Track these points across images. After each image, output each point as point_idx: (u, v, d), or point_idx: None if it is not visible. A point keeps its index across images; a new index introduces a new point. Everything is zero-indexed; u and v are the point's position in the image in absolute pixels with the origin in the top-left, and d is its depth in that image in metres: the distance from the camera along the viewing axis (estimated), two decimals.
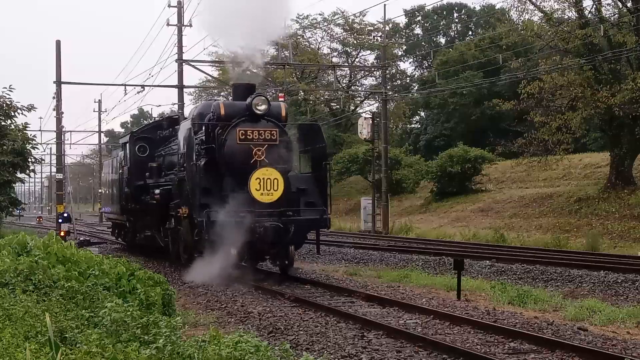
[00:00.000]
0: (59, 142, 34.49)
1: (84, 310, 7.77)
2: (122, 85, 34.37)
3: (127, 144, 22.19)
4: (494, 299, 13.12)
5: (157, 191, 18.84)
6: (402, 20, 67.45)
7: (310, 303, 12.60)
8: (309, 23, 53.93)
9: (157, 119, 29.55)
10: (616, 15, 31.19)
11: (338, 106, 52.40)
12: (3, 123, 26.13)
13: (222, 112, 16.15)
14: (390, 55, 52.45)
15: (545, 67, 30.41)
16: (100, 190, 31.71)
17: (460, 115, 53.87)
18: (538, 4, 31.80)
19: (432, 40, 66.80)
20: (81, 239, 29.39)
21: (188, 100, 55.62)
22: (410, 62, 68.20)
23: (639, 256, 19.91)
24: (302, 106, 51.97)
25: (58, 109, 33.06)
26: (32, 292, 8.79)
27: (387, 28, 48.05)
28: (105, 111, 71.27)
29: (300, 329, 10.41)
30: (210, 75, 41.28)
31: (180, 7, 34.11)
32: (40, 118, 73.98)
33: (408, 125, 65.06)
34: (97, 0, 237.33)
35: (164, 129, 21.76)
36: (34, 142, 27.98)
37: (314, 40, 55.50)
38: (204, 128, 16.51)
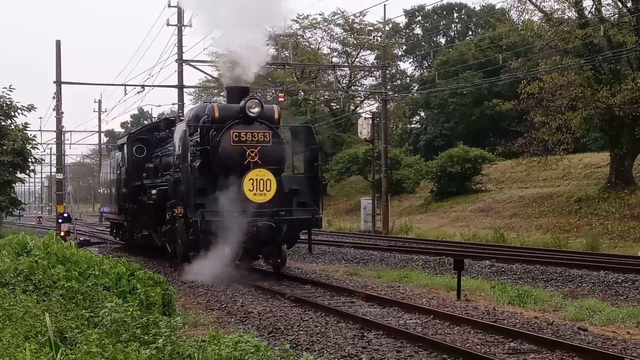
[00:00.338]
0: (59, 142, 34.48)
1: (84, 310, 7.77)
2: (122, 85, 34.35)
3: (125, 145, 22.63)
4: (494, 299, 13.12)
5: (153, 191, 19.22)
6: (402, 20, 67.55)
7: (310, 303, 12.60)
8: (309, 23, 53.92)
9: (156, 119, 29.70)
10: (616, 15, 31.19)
11: (338, 106, 52.39)
12: (3, 123, 26.13)
13: (217, 114, 16.56)
14: (390, 55, 52.45)
15: (545, 67, 30.40)
16: (100, 190, 31.80)
17: (460, 115, 53.86)
18: (538, 4, 31.82)
19: (432, 40, 66.81)
20: (81, 239, 29.40)
21: (188, 100, 55.62)
22: (410, 62, 68.28)
23: (639, 256, 19.91)
24: (302, 106, 51.96)
25: (58, 109, 33.05)
26: (32, 292, 8.80)
27: (387, 28, 48.10)
28: (105, 111, 71.33)
29: (300, 329, 10.41)
30: (210, 75, 41.25)
31: (180, 7, 34.11)
32: (40, 118, 74.16)
33: (408, 125, 65.05)
34: (97, 0, 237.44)
35: (161, 130, 22.15)
36: (34, 142, 27.99)
37: (314, 40, 55.53)
38: (199, 130, 16.89)
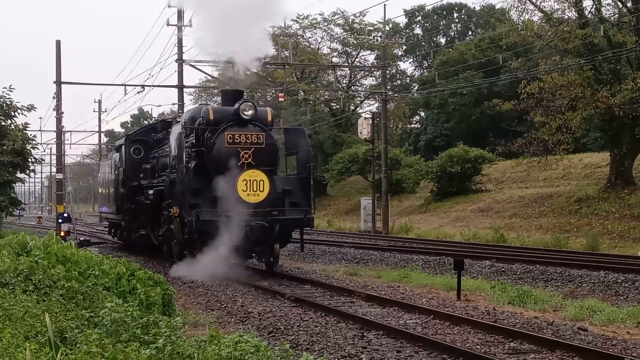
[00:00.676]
0: (59, 142, 34.48)
1: (84, 310, 7.76)
2: (122, 85, 34.33)
3: (123, 146, 23.05)
4: (494, 299, 13.12)
5: (150, 192, 19.65)
6: (402, 20, 67.56)
7: (310, 303, 12.60)
8: (309, 23, 53.89)
9: (156, 119, 29.92)
10: (616, 15, 31.19)
11: (338, 106, 52.39)
12: (3, 123, 26.13)
13: (211, 117, 16.96)
14: (390, 55, 52.44)
15: (545, 67, 30.39)
16: (98, 191, 31.97)
17: (460, 115, 53.86)
18: (538, 4, 31.82)
19: (432, 40, 66.80)
20: (81, 239, 29.43)
21: (188, 100, 55.55)
22: (410, 62, 68.28)
23: (639, 256, 19.91)
24: (302, 106, 51.96)
25: (58, 109, 33.04)
26: (32, 292, 8.79)
27: (387, 28, 48.10)
28: (105, 111, 71.29)
29: (300, 329, 10.41)
30: (210, 75, 41.26)
31: (180, 7, 34.10)
32: (40, 118, 74.11)
33: (408, 125, 65.03)
34: (97, 0, 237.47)
35: (158, 131, 22.50)
36: (34, 142, 28.01)
37: (314, 40, 55.50)
38: (194, 132, 17.30)
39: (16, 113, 26.32)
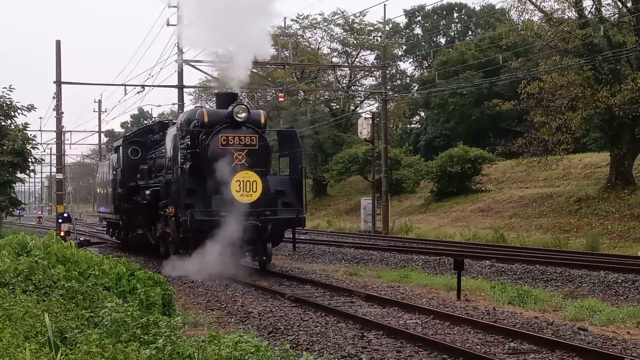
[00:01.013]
0: (59, 142, 34.45)
1: (84, 310, 7.77)
2: (122, 85, 34.27)
3: (121, 147, 23.47)
4: (494, 299, 13.12)
5: (147, 192, 20.06)
6: (402, 20, 67.52)
7: (310, 303, 12.61)
8: (309, 23, 53.84)
9: (156, 119, 30.10)
10: (616, 15, 31.17)
11: (338, 106, 52.35)
12: (3, 123, 26.12)
13: (206, 119, 17.37)
14: (390, 55, 52.39)
15: (545, 67, 30.38)
16: (97, 191, 32.14)
17: (460, 115, 53.85)
18: (538, 4, 31.80)
19: (432, 40, 66.79)
20: (81, 239, 29.46)
21: (188, 100, 55.55)
22: (410, 62, 68.24)
23: (639, 256, 19.91)
24: (302, 106, 51.94)
25: (58, 109, 33.02)
26: (32, 292, 8.79)
27: (387, 28, 48.08)
28: (105, 111, 71.25)
29: (300, 329, 10.41)
30: (210, 75, 41.26)
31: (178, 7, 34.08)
32: (40, 118, 74.02)
33: (408, 125, 65.00)
34: (97, 0, 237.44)
35: (155, 133, 22.89)
36: (34, 142, 27.98)
37: (314, 40, 55.42)
38: (189, 134, 17.78)
39: (16, 113, 26.32)
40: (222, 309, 12.42)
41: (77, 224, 36.31)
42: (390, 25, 60.53)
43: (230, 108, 17.06)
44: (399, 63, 61.89)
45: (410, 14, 67.14)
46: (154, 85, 44.37)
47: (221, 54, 19.18)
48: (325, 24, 54.03)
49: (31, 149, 27.42)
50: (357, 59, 56.12)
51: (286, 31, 50.60)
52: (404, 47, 65.11)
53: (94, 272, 10.21)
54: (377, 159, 35.99)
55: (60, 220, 28.41)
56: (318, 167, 52.53)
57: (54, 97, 33.82)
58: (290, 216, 17.38)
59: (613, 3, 32.00)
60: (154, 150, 21.88)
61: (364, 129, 34.39)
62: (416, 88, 62.16)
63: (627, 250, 22.42)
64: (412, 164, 46.65)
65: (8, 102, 26.02)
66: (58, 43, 31.72)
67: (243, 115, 17.04)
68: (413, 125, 65.55)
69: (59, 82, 31.94)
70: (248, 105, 17.98)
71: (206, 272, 16.19)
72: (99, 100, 59.24)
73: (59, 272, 9.79)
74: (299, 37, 52.99)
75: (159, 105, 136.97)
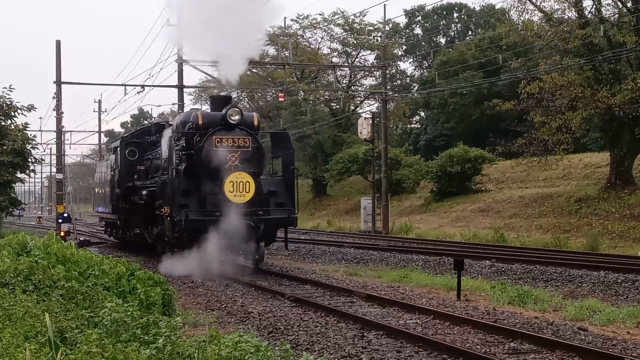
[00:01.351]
0: (59, 142, 34.44)
1: (84, 310, 7.76)
2: (122, 85, 34.24)
3: (118, 148, 23.88)
4: (494, 299, 13.12)
5: (144, 192, 20.50)
6: (402, 20, 67.53)
7: (310, 303, 12.61)
8: (309, 23, 53.84)
9: (156, 119, 30.33)
10: (616, 15, 31.17)
11: (338, 106, 52.36)
12: (3, 123, 26.13)
13: (200, 121, 17.76)
14: (390, 55, 52.39)
15: (545, 67, 30.38)
16: (95, 190, 32.29)
17: (460, 115, 53.85)
18: (538, 4, 31.79)
19: (432, 40, 66.78)
20: (81, 239, 29.45)
21: (188, 100, 55.59)
22: (410, 62, 68.23)
23: (639, 256, 19.91)
24: (302, 106, 51.94)
25: (58, 109, 33.01)
26: (32, 292, 8.79)
27: (387, 28, 48.07)
28: (105, 111, 71.21)
29: (300, 329, 10.41)
30: (210, 75, 41.25)
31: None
32: (40, 118, 73.93)
33: (408, 125, 65.00)
34: (97, 0, 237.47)
35: (152, 134, 23.15)
36: (34, 142, 28.01)
37: (314, 40, 55.43)
38: (184, 136, 18.16)
39: (16, 113, 26.34)
40: (222, 309, 12.42)
41: (77, 224, 36.31)
42: (390, 25, 60.55)
43: (224, 111, 17.46)
44: (399, 63, 61.94)
45: (410, 14, 67.15)
46: (154, 85, 44.34)
47: (217, 55, 19.44)
48: (325, 24, 54.06)
49: (31, 149, 27.45)
50: (357, 59, 56.13)
51: (286, 31, 50.59)
52: (404, 47, 65.12)
53: (94, 272, 10.21)
54: (377, 159, 35.99)
55: (60, 220, 28.43)
56: (318, 167, 52.52)
57: (54, 97, 33.80)
58: (282, 216, 17.79)
59: (613, 3, 32.02)
60: (151, 152, 22.22)
61: (364, 129, 34.39)
62: (416, 88, 62.18)
63: (627, 250, 22.42)
64: (412, 164, 46.64)
65: (8, 102, 26.04)
66: (58, 43, 31.72)
67: (236, 117, 17.41)
68: (413, 125, 65.55)
69: (59, 82, 31.93)
70: (241, 108, 18.37)
71: (201, 271, 16.54)
72: (99, 100, 59.21)
73: (59, 272, 9.79)
74: (299, 37, 53.00)
75: (159, 105, 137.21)
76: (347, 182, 52.68)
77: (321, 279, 16.10)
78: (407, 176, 45.74)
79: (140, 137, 23.82)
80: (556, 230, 27.25)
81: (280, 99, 36.93)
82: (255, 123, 18.34)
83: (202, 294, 14.41)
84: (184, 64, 32.19)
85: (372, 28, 53.42)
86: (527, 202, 33.52)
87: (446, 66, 49.51)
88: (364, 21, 53.95)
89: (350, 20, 53.56)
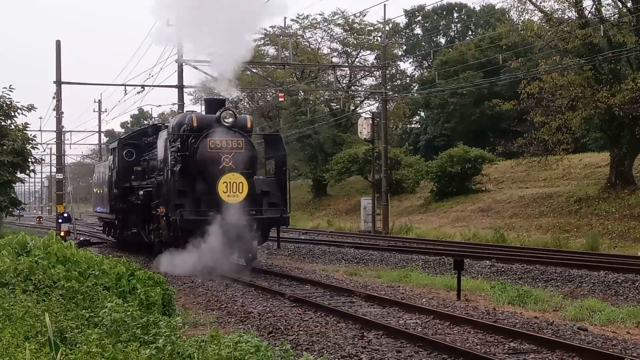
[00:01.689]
0: (59, 142, 34.45)
1: (84, 310, 7.77)
2: (122, 85, 34.29)
3: (116, 149, 24.31)
4: (494, 299, 13.12)
5: (140, 192, 20.99)
6: (402, 20, 67.52)
7: (310, 303, 12.62)
8: (309, 23, 53.82)
9: (156, 119, 30.57)
10: (616, 15, 31.16)
11: (338, 106, 52.32)
12: (3, 123, 26.11)
13: (195, 124, 18.24)
14: (390, 55, 52.36)
15: (545, 67, 30.38)
16: (94, 190, 32.43)
17: (460, 115, 53.84)
18: (538, 4, 31.79)
19: (432, 40, 66.78)
20: (81, 239, 29.46)
21: (188, 100, 55.47)
22: (410, 62, 68.22)
23: (639, 256, 19.90)
24: (302, 106, 51.93)
25: (58, 109, 33.01)
26: (32, 292, 8.80)
27: (387, 28, 48.04)
28: (105, 111, 71.12)
29: (300, 329, 10.41)
30: (210, 75, 41.20)
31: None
32: (40, 118, 73.76)
33: (408, 125, 64.99)
34: (97, 0, 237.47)
35: (149, 135, 23.53)
36: (34, 142, 28.00)
37: (314, 40, 55.39)
38: (180, 137, 18.57)
39: (16, 113, 26.32)
40: (222, 309, 12.42)
41: (77, 224, 36.30)
42: (390, 25, 60.50)
43: (218, 113, 17.87)
44: (399, 63, 61.91)
45: (410, 14, 67.15)
46: (154, 85, 44.38)
47: (213, 56, 19.70)
48: (325, 24, 54.02)
49: (31, 149, 27.44)
50: (357, 59, 56.11)
51: (286, 31, 50.58)
52: (404, 47, 65.11)
53: (94, 272, 10.22)
54: (377, 159, 35.98)
55: (60, 220, 28.47)
56: (318, 167, 52.51)
57: (54, 97, 33.82)
58: (274, 215, 18.24)
59: (613, 3, 32.02)
60: (148, 153, 22.59)
61: (364, 129, 34.39)
62: (416, 88, 62.16)
63: (627, 250, 22.42)
64: (412, 164, 46.62)
65: (8, 102, 26.03)
66: (58, 43, 31.72)
67: (230, 120, 17.80)
68: (413, 125, 65.55)
69: (59, 82, 31.94)
70: (234, 111, 18.97)
71: (196, 269, 16.85)
72: (99, 100, 59.10)
73: (59, 272, 9.79)
74: (299, 37, 52.97)
75: (159, 105, 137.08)
76: (347, 182, 52.67)
77: (321, 279, 16.11)
78: (407, 176, 45.73)
79: (137, 138, 24.21)
80: (556, 230, 27.24)
81: (280, 99, 36.93)
82: (249, 125, 18.83)
83: (202, 294, 14.41)
84: (184, 64, 32.18)
85: (372, 28, 53.39)
86: (527, 202, 33.52)
87: (446, 66, 49.50)
88: (364, 21, 53.95)
89: (350, 20, 53.54)
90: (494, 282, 14.62)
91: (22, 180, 35.95)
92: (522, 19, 33.10)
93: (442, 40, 66.99)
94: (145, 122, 74.18)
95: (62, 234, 25.20)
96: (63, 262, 10.72)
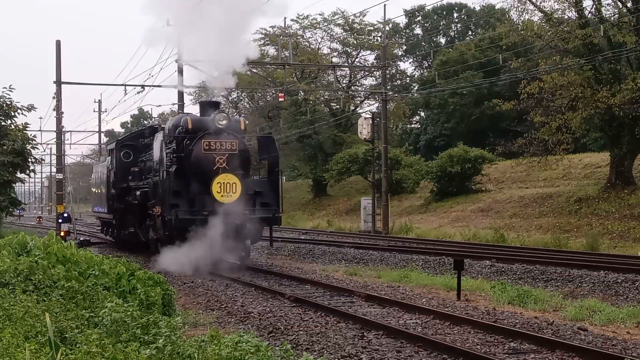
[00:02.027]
0: (59, 142, 34.44)
1: (84, 310, 7.76)
2: (122, 85, 34.26)
3: (114, 150, 24.72)
4: (494, 299, 13.12)
5: (137, 193, 21.41)
6: (402, 20, 67.54)
7: (310, 303, 12.62)
8: (309, 23, 53.85)
9: (156, 119, 30.85)
10: (616, 15, 31.17)
11: (338, 106, 52.34)
12: (3, 123, 26.14)
13: (190, 126, 18.71)
14: (390, 55, 52.39)
15: (545, 67, 30.38)
16: (92, 190, 32.60)
17: (460, 115, 53.85)
18: (538, 4, 31.80)
19: (432, 40, 66.79)
20: (81, 239, 29.45)
21: (188, 100, 55.44)
22: (410, 62, 68.24)
23: (639, 256, 19.90)
24: (302, 106, 51.94)
25: (58, 109, 33.00)
26: (32, 292, 8.79)
27: (387, 28, 48.05)
28: (105, 111, 71.08)
29: (300, 329, 10.41)
30: (210, 76, 41.15)
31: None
32: (40, 118, 73.78)
33: (408, 125, 64.99)
34: (97, 0, 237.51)
35: (145, 137, 23.87)
36: (34, 142, 28.06)
37: (314, 40, 55.43)
38: (175, 139, 19.00)
39: (16, 113, 26.36)
40: (222, 309, 12.42)
41: (77, 224, 36.29)
42: (390, 25, 60.54)
43: (212, 115, 18.32)
44: (399, 63, 61.95)
45: (410, 14, 67.16)
46: (154, 85, 44.36)
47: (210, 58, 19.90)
48: (325, 24, 54.06)
49: (31, 149, 27.48)
50: (357, 59, 56.13)
51: (286, 31, 50.58)
52: (404, 47, 65.11)
53: (94, 272, 10.21)
54: (377, 159, 35.99)
55: (60, 220, 28.48)
56: (318, 167, 52.52)
57: (54, 97, 33.80)
58: (267, 215, 18.67)
59: (613, 3, 32.03)
60: (145, 154, 22.90)
61: (364, 129, 34.40)
62: (416, 88, 62.17)
63: (627, 250, 22.42)
64: (412, 164, 46.63)
65: (8, 102, 26.05)
66: (58, 43, 31.72)
67: (224, 122, 18.22)
68: (413, 125, 65.55)
69: (59, 82, 31.93)
70: (228, 113, 19.54)
71: (191, 267, 17.19)
72: (99, 100, 59.07)
73: (59, 272, 9.78)
74: (299, 37, 52.99)
75: (159, 105, 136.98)
76: (347, 182, 52.69)
77: (321, 279, 16.11)
78: (407, 176, 45.74)
79: (134, 139, 24.57)
80: (556, 230, 27.24)
81: (280, 99, 36.96)
82: (242, 127, 19.34)
83: (202, 294, 14.41)
84: (183, 64, 32.16)
85: (372, 28, 53.43)
86: (527, 202, 33.52)
87: (446, 66, 49.49)
88: (364, 21, 53.98)
89: (350, 20, 53.57)
90: (494, 282, 14.62)
91: (22, 180, 35.99)
92: (522, 19, 33.14)
93: (442, 40, 67.01)
94: (145, 122, 74.29)
95: (62, 234, 25.21)
96: (63, 262, 10.71)
